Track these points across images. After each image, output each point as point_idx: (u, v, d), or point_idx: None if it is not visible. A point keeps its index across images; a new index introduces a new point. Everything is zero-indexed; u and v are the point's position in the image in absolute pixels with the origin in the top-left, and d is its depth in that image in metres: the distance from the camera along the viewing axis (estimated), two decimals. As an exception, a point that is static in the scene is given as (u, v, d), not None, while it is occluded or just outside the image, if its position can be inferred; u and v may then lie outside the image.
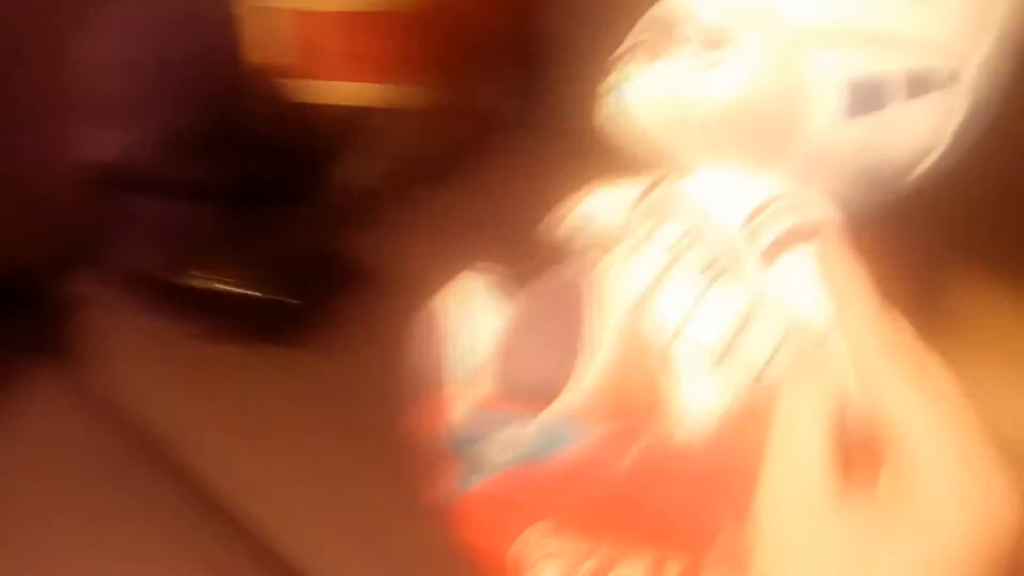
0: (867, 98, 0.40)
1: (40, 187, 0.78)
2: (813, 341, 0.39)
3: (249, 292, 0.76)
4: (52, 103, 0.77)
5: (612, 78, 0.43)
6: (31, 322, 0.80)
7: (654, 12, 0.42)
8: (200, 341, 0.76)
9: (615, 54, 0.43)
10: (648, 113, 0.42)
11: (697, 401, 0.41)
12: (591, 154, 0.47)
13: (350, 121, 0.85)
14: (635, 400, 0.43)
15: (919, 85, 0.41)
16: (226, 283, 0.76)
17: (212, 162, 0.78)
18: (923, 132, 0.42)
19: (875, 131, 0.41)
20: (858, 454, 0.35)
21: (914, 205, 0.44)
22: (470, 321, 0.53)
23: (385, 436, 0.61)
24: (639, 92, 0.42)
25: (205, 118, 0.77)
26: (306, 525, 0.66)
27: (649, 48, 0.41)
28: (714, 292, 0.41)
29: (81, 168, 0.75)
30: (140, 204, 0.79)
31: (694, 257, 0.42)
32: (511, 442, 0.47)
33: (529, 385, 0.46)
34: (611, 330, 0.43)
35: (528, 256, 0.51)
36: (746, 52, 0.39)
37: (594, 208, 0.53)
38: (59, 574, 0.64)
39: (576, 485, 0.44)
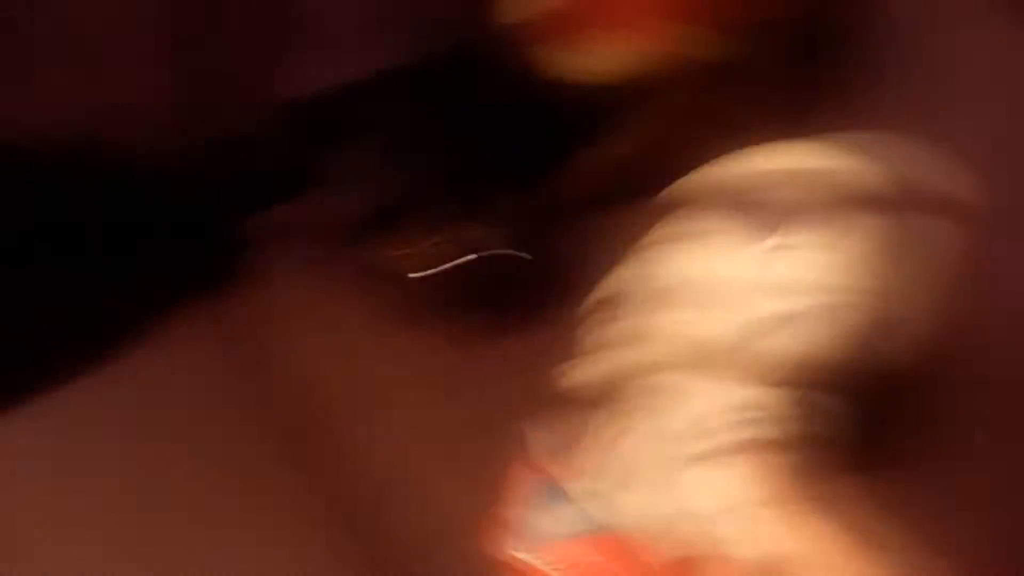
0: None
1: (246, 121, 0.75)
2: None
3: (437, 269, 0.72)
4: (272, 28, 0.74)
5: None
6: (205, 259, 0.80)
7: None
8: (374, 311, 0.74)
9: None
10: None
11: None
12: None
13: (605, 97, 0.79)
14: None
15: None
16: (416, 254, 0.72)
17: (433, 115, 0.73)
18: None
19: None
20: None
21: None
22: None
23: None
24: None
25: (437, 61, 0.72)
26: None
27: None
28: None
29: (293, 103, 0.72)
30: (346, 150, 0.75)
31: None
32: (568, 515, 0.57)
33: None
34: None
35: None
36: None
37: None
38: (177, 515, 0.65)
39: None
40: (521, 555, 0.58)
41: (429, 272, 0.73)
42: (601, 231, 0.87)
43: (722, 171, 0.63)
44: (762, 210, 0.59)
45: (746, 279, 0.58)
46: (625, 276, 0.62)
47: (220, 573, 0.62)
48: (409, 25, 0.71)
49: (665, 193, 0.63)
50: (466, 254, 0.74)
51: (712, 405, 0.57)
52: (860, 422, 0.59)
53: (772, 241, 0.58)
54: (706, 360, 0.57)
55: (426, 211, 0.75)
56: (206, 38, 0.73)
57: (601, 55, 0.80)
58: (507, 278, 0.78)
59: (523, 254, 0.78)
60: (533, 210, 0.83)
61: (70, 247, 0.73)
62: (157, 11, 0.72)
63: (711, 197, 0.61)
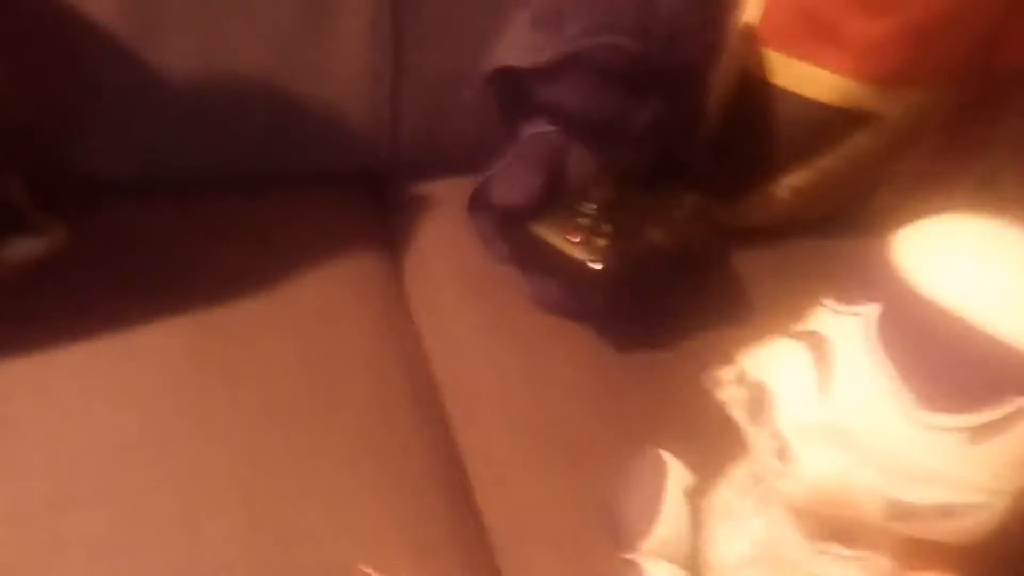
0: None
1: (447, 92, 0.76)
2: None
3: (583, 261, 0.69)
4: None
5: None
6: (383, 215, 0.82)
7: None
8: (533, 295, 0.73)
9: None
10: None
11: None
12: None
13: (799, 118, 0.77)
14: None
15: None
16: (574, 246, 0.69)
17: (632, 106, 0.70)
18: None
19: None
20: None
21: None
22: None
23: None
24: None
25: (649, 54, 0.68)
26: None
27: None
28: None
29: (494, 76, 0.72)
30: (530, 126, 0.74)
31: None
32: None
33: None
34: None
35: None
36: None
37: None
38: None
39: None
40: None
41: (610, 266, 0.70)
42: (783, 263, 0.84)
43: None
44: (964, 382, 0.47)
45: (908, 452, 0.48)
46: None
47: (326, 509, 0.62)
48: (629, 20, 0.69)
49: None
50: (643, 255, 0.72)
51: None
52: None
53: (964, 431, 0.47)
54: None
55: (608, 204, 0.73)
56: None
57: (831, 74, 0.76)
58: (676, 288, 0.76)
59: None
60: (717, 224, 0.80)
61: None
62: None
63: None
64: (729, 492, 0.60)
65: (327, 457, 0.64)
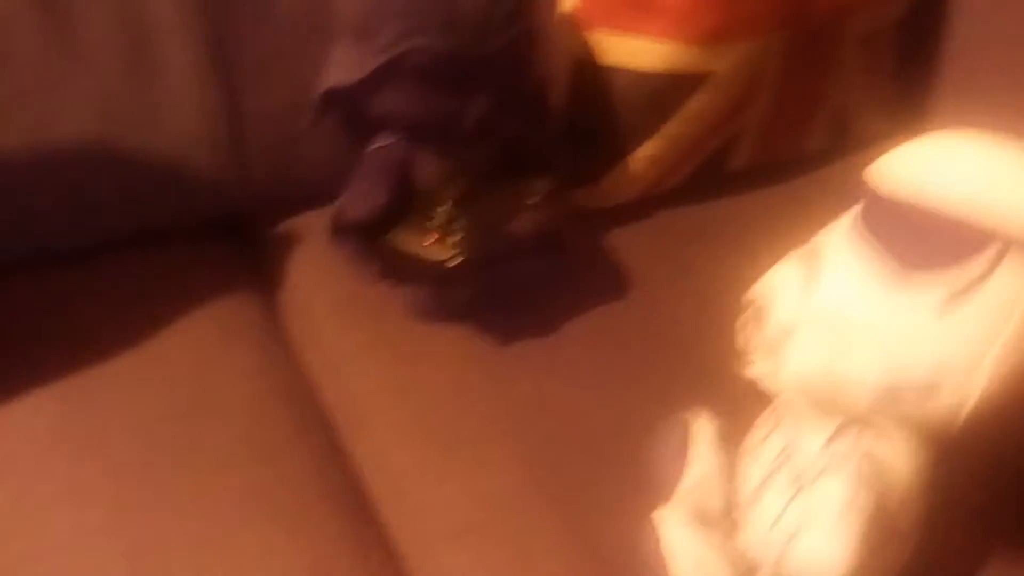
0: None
1: (289, 124, 0.76)
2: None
3: (447, 260, 0.70)
4: (309, 27, 0.75)
5: None
6: (247, 256, 0.82)
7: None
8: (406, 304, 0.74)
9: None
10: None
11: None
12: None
13: (637, 91, 0.79)
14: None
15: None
16: (430, 249, 0.70)
17: (459, 103, 0.70)
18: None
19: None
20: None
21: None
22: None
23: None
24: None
25: (459, 51, 0.68)
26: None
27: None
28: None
29: (326, 100, 0.71)
30: (373, 141, 0.74)
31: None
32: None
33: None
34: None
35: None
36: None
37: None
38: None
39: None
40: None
41: (464, 260, 0.71)
42: (655, 235, 0.85)
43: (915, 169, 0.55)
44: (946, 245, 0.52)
45: (905, 327, 0.52)
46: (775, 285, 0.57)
47: (214, 553, 0.61)
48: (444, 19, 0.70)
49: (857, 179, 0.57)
50: (499, 245, 0.72)
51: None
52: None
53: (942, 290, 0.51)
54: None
55: (459, 203, 0.74)
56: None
57: (655, 42, 0.78)
58: (543, 274, 0.76)
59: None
60: (574, 205, 0.81)
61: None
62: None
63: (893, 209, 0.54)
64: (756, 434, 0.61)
65: (208, 502, 0.63)
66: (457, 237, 0.71)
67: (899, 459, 0.56)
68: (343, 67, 0.72)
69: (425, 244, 0.72)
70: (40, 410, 0.66)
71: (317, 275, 0.80)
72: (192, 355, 0.73)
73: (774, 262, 0.58)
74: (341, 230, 0.77)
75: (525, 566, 0.63)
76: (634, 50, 0.80)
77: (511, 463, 0.68)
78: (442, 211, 0.73)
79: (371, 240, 0.75)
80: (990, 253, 0.51)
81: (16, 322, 0.71)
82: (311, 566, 0.62)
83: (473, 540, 0.65)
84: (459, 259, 0.70)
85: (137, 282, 0.76)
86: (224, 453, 0.66)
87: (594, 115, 0.83)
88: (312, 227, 0.81)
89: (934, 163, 0.55)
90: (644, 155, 0.84)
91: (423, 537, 0.66)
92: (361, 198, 0.73)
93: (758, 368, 0.56)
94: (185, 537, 0.61)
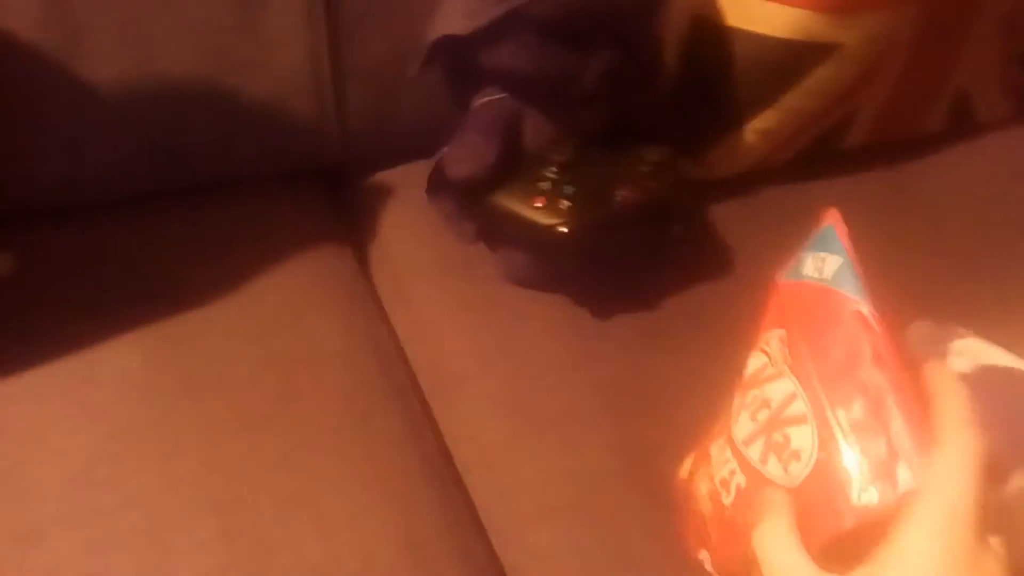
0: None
1: (392, 73, 0.74)
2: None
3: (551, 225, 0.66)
4: None
5: None
6: (341, 206, 0.80)
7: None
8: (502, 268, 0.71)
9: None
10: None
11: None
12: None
13: (758, 57, 0.74)
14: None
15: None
16: (537, 212, 0.66)
17: (579, 61, 0.67)
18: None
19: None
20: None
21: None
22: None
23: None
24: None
25: (588, 4, 0.66)
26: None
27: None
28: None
29: (435, 48, 0.68)
30: (479, 96, 0.71)
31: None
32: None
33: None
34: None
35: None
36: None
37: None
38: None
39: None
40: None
41: (577, 228, 0.67)
42: (759, 211, 0.81)
43: None
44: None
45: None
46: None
47: (303, 511, 0.59)
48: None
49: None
50: (609, 214, 0.69)
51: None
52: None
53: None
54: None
55: (569, 166, 0.70)
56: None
57: (785, 7, 0.73)
58: (646, 246, 0.73)
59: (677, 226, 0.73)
60: (684, 175, 0.77)
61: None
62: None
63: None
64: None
65: (300, 459, 0.62)
66: (566, 204, 0.67)
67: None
68: (458, 15, 0.68)
69: (533, 206, 0.68)
70: (131, 356, 0.65)
71: (409, 231, 0.78)
72: (284, 306, 0.71)
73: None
74: (441, 186, 0.74)
75: (613, 548, 0.61)
76: (760, 13, 0.75)
77: (604, 443, 0.65)
78: (552, 174, 0.69)
79: (471, 198, 0.72)
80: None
81: (107, 266, 0.70)
82: (402, 533, 0.60)
83: (562, 520, 0.62)
84: (568, 225, 0.67)
85: (230, 228, 0.74)
86: (317, 410, 0.65)
87: (710, 80, 0.79)
88: (407, 180, 0.79)
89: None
90: (758, 127, 0.80)
91: (512, 513, 0.64)
92: (470, 154, 0.70)
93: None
94: (276, 494, 0.60)
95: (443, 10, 0.69)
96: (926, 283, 0.74)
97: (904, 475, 0.47)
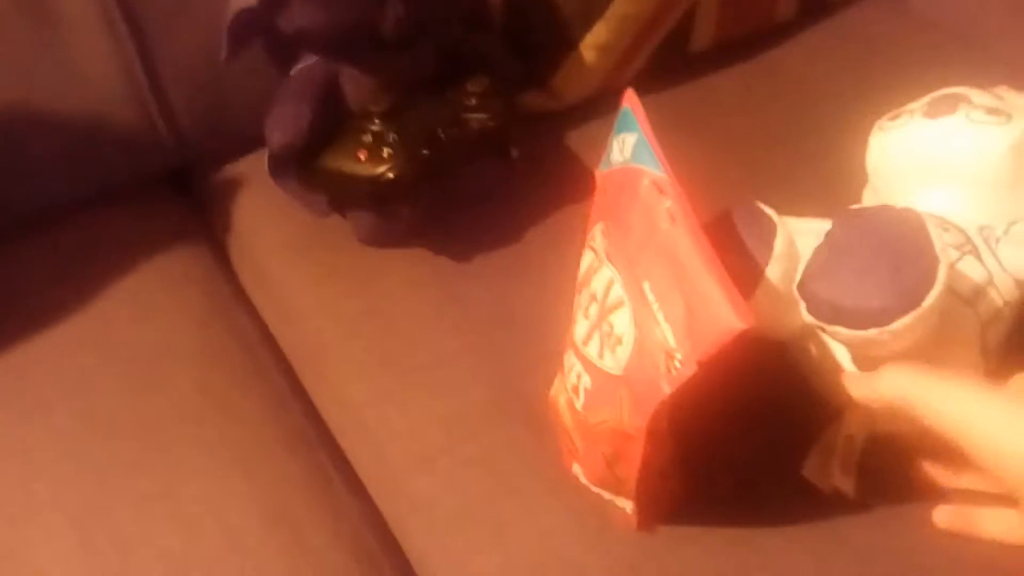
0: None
1: (208, 65, 0.72)
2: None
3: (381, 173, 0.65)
4: None
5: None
6: (192, 208, 0.79)
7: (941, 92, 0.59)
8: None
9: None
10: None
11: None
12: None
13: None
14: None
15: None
16: (364, 165, 0.65)
17: (373, 8, 0.65)
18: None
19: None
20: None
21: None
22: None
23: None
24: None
25: None
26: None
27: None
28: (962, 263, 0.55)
29: (236, 27, 0.66)
30: (297, 64, 0.70)
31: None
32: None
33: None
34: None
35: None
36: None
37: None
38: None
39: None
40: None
41: (400, 172, 0.66)
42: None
43: None
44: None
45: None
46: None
47: (165, 507, 0.58)
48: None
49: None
50: (438, 151, 0.67)
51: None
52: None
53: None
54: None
55: (390, 116, 0.69)
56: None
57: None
58: (492, 182, 0.71)
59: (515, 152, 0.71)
60: (523, 109, 0.76)
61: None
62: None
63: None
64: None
65: (156, 457, 0.61)
66: (388, 151, 0.66)
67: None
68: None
69: (358, 161, 0.67)
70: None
71: (262, 217, 0.76)
72: (139, 314, 0.69)
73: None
74: (277, 163, 0.72)
75: (491, 483, 0.59)
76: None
77: (474, 382, 0.64)
78: (374, 126, 0.68)
79: (309, 169, 0.71)
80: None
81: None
82: (268, 507, 0.59)
83: (440, 465, 0.61)
84: (394, 171, 0.66)
85: (79, 246, 0.73)
86: (173, 406, 0.63)
87: (534, 4, 0.78)
88: (253, 169, 0.77)
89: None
90: (593, 43, 0.78)
91: (387, 467, 0.62)
92: (283, 122, 0.68)
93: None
94: (134, 495, 0.58)
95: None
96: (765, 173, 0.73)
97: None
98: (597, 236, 0.56)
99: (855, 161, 0.62)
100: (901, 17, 0.88)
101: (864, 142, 0.61)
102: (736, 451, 0.56)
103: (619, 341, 0.51)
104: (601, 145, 0.77)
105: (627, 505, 0.56)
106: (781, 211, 0.56)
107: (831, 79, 0.82)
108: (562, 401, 0.58)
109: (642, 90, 0.80)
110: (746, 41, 0.85)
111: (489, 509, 0.59)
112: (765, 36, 0.86)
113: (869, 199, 0.63)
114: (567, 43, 0.78)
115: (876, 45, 0.86)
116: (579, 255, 0.62)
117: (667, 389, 0.46)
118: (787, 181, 0.70)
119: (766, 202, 0.56)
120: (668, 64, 0.82)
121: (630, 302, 0.50)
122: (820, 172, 0.71)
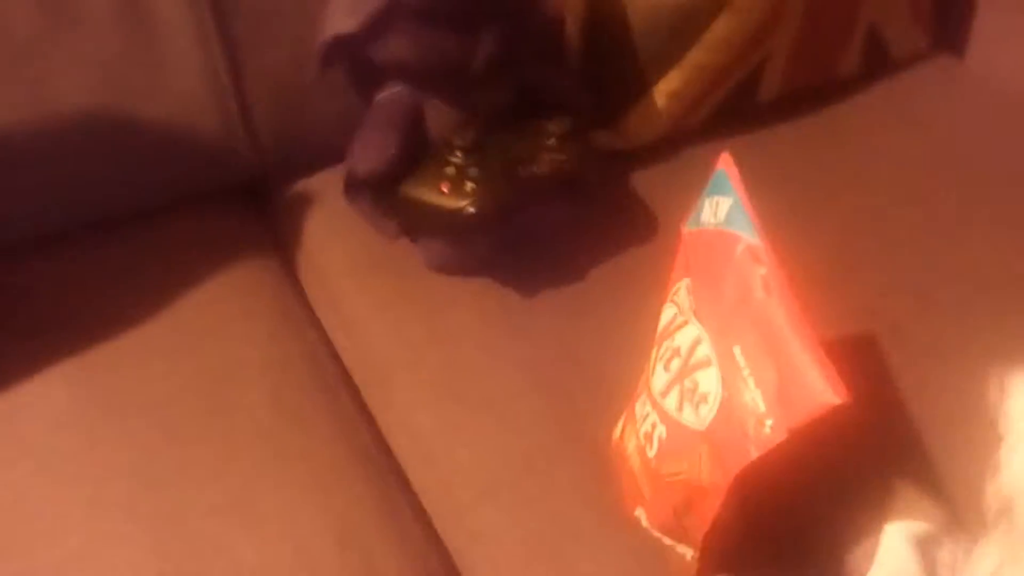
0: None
1: (294, 80, 0.74)
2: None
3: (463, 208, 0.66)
4: None
5: None
6: (263, 221, 0.80)
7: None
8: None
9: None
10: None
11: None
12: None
13: (656, 18, 0.75)
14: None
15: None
16: (445, 198, 0.67)
17: (466, 43, 0.67)
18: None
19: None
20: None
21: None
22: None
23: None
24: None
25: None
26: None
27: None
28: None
29: (328, 50, 0.68)
30: (382, 91, 0.71)
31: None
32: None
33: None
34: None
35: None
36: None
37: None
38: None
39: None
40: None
41: (480, 207, 0.67)
42: (678, 174, 0.81)
43: None
44: None
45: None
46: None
47: (238, 518, 0.60)
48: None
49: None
50: (518, 189, 0.69)
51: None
52: None
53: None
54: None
55: (473, 149, 0.70)
56: None
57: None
58: (565, 221, 0.73)
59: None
60: (596, 148, 0.78)
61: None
62: None
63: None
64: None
65: (231, 468, 0.62)
66: (471, 186, 0.68)
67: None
68: (342, 13, 0.69)
69: (440, 192, 0.68)
70: (54, 390, 0.65)
71: (333, 234, 0.78)
72: (210, 324, 0.71)
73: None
74: (354, 185, 0.74)
75: (552, 520, 0.60)
76: (650, -25, 0.76)
77: (539, 419, 0.65)
78: (457, 158, 0.69)
79: (386, 194, 0.72)
80: None
81: (26, 304, 0.70)
82: (338, 529, 0.60)
83: (503, 499, 0.62)
84: (475, 206, 0.67)
85: (151, 255, 0.75)
86: (246, 420, 0.65)
87: (611, 48, 0.79)
88: (327, 186, 0.79)
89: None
90: (666, 89, 0.80)
91: (451, 497, 0.64)
92: (371, 150, 0.70)
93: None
94: (208, 505, 0.60)
95: (330, 11, 0.70)
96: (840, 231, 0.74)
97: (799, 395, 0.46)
98: (682, 292, 0.57)
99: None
100: (958, 79, 0.90)
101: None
102: (804, 520, 0.57)
103: (703, 399, 0.52)
104: (668, 189, 0.79)
105: (687, 552, 0.57)
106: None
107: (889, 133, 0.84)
108: (631, 446, 0.59)
109: (707, 136, 0.83)
110: (810, 94, 0.87)
111: (550, 545, 0.60)
112: (830, 89, 0.88)
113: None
114: (640, 87, 0.80)
115: (936, 105, 0.88)
116: (644, 300, 0.64)
117: (755, 452, 0.48)
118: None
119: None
120: (735, 112, 0.84)
121: (718, 363, 0.52)
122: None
